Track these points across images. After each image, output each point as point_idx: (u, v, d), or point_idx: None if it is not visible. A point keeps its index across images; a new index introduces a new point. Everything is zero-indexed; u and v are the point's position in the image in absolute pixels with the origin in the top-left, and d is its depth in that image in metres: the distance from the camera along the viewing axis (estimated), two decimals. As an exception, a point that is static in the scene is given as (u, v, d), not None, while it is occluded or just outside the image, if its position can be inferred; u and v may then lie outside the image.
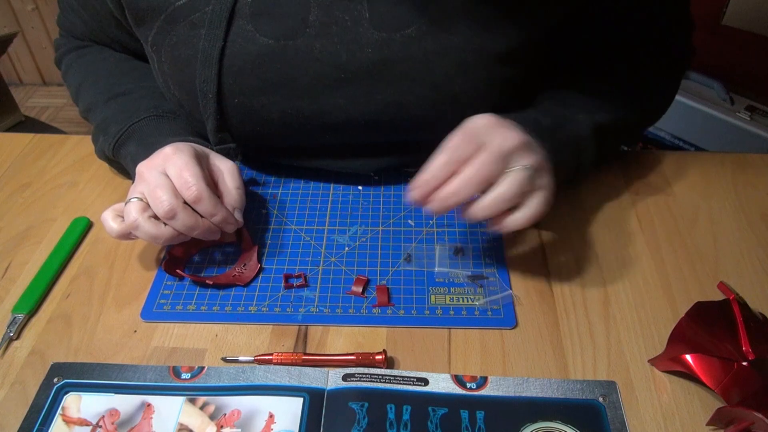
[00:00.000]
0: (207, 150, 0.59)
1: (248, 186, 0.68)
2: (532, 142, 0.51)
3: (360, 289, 0.56)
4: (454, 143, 0.50)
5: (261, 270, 0.59)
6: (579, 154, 0.59)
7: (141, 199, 0.54)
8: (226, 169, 0.58)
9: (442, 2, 0.55)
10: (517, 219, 0.50)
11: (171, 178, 0.54)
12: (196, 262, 0.60)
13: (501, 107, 0.56)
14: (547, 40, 0.59)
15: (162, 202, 0.52)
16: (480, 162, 0.48)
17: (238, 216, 0.57)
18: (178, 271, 0.58)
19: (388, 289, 0.56)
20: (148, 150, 0.57)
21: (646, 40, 0.65)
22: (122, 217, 0.55)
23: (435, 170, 0.50)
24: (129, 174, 0.59)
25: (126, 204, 0.54)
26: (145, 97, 0.65)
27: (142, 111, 0.63)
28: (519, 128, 0.51)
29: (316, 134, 0.61)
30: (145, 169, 0.55)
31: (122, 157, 0.63)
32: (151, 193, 0.53)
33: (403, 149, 0.63)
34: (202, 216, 0.55)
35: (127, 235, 0.55)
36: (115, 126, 0.63)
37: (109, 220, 0.55)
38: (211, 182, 0.57)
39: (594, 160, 0.61)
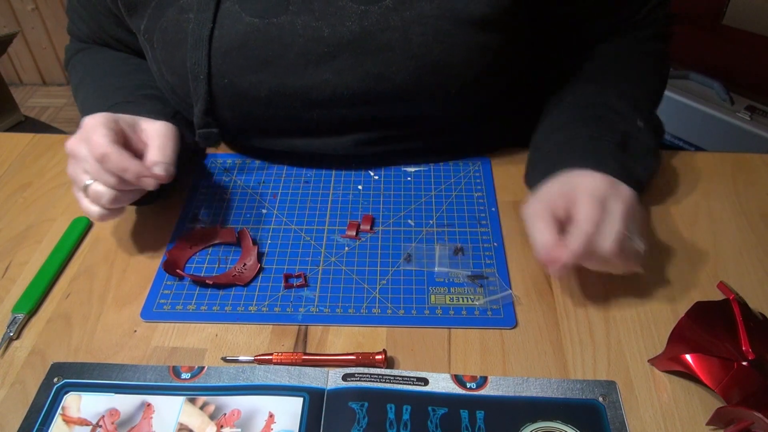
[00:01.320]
0: (136, 117, 0.58)
1: (248, 186, 0.68)
2: (614, 180, 0.52)
3: (354, 232, 0.61)
4: (542, 205, 0.53)
5: (261, 270, 0.59)
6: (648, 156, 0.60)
7: (94, 179, 0.53)
8: (152, 129, 0.57)
9: None
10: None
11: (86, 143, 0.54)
12: (196, 262, 0.60)
13: (482, 76, 0.60)
14: (522, 8, 0.59)
15: (106, 177, 0.52)
16: (587, 217, 0.50)
17: (158, 170, 0.55)
18: (178, 271, 0.58)
19: (372, 218, 0.62)
20: None
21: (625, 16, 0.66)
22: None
23: (548, 237, 0.51)
24: None
25: (85, 190, 0.54)
26: (122, 88, 0.65)
27: (111, 100, 0.63)
28: (598, 174, 0.53)
29: (304, 111, 0.62)
30: (71, 145, 0.54)
31: None
32: (92, 168, 0.53)
33: (388, 123, 0.63)
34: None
35: (118, 210, 0.56)
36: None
37: (96, 209, 0.55)
38: (142, 144, 0.57)
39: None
